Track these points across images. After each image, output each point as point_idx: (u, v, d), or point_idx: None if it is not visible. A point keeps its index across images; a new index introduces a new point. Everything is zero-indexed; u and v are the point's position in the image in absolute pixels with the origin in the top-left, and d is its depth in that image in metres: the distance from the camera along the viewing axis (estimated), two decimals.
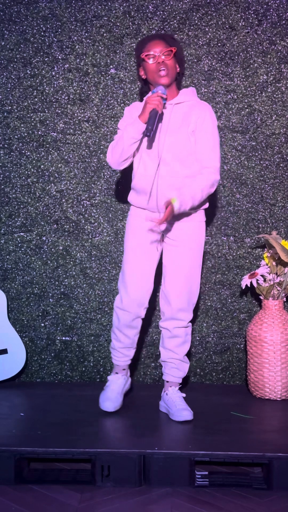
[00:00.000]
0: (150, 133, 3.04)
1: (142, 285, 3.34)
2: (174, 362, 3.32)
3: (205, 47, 3.76)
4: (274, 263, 3.55)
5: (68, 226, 3.86)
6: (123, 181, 3.81)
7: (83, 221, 3.84)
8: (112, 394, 3.32)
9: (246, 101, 3.78)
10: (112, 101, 3.75)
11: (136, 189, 3.32)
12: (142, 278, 3.34)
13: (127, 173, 3.55)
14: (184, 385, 3.61)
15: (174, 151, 3.18)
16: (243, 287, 3.66)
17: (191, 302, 3.31)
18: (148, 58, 3.13)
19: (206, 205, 3.30)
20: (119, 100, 3.75)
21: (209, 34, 3.76)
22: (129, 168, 3.38)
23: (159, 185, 3.20)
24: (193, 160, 3.22)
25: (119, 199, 3.86)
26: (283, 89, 3.76)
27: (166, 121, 3.14)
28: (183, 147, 3.18)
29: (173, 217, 3.18)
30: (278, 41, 3.74)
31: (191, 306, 3.32)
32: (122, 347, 3.41)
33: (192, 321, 3.77)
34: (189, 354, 3.73)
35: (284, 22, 3.76)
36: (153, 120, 3.03)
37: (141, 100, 3.52)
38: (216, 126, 3.24)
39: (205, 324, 3.86)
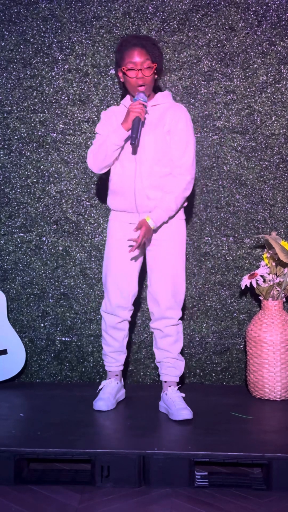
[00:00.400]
0: (135, 141, 3.08)
1: (125, 289, 3.36)
2: (170, 361, 3.32)
3: (204, 47, 3.76)
4: (273, 264, 3.55)
5: (68, 227, 3.85)
6: None
7: (83, 222, 3.84)
8: (104, 395, 3.36)
9: (245, 101, 3.78)
10: (112, 102, 3.75)
11: (115, 190, 3.33)
12: (124, 282, 3.35)
13: None
14: (184, 385, 3.61)
15: (151, 151, 3.20)
16: (243, 288, 3.66)
17: (179, 300, 3.31)
18: (128, 70, 3.16)
19: (185, 204, 3.32)
20: (118, 101, 3.71)
21: (209, 35, 3.75)
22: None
23: (137, 185, 3.21)
24: (170, 160, 3.25)
25: None
26: (283, 90, 3.76)
27: None
28: (160, 147, 3.20)
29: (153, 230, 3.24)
30: (277, 42, 3.74)
31: (179, 304, 3.32)
32: (112, 351, 3.42)
33: (191, 321, 3.89)
34: (189, 355, 3.85)
35: (283, 23, 3.76)
36: (137, 128, 3.07)
37: (120, 101, 3.52)
38: (190, 127, 3.27)
39: (204, 325, 3.85)
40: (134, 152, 3.21)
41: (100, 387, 3.41)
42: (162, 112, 3.23)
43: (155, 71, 3.20)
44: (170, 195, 3.20)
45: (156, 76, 3.24)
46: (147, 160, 3.20)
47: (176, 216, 3.29)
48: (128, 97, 3.27)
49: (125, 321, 3.38)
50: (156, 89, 3.42)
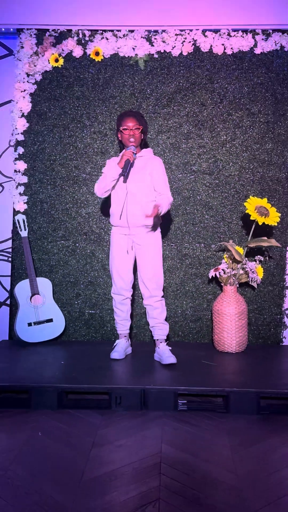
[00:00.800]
0: (125, 174, 3.24)
1: (123, 277, 3.48)
2: (159, 326, 3.48)
3: (184, 117, 3.92)
4: (230, 261, 3.74)
5: (93, 237, 4.00)
6: None
7: (103, 233, 4.00)
8: (118, 349, 3.52)
9: (211, 153, 3.94)
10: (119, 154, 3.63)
11: (112, 212, 3.43)
12: (123, 272, 3.47)
13: None
14: (170, 342, 3.74)
15: (137, 186, 3.34)
16: (210, 277, 3.83)
17: (160, 283, 3.46)
18: (124, 131, 3.34)
19: (160, 222, 3.46)
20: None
21: (187, 108, 3.93)
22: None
23: (128, 208, 3.35)
24: (149, 191, 3.36)
25: None
26: (237, 146, 3.92)
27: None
28: (143, 183, 3.36)
29: (136, 228, 3.35)
30: (233, 113, 3.92)
31: (160, 286, 3.47)
32: (121, 320, 3.57)
33: (176, 300, 3.93)
34: (174, 322, 3.95)
35: (237, 100, 3.92)
36: (127, 166, 3.26)
37: (120, 152, 3.62)
38: (164, 170, 3.44)
39: (184, 302, 4.00)
40: (125, 186, 3.32)
41: (114, 344, 3.59)
42: (145, 161, 3.40)
43: (141, 132, 3.37)
44: (166, 199, 3.32)
45: (142, 136, 3.38)
46: (133, 191, 3.33)
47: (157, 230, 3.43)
48: (125, 149, 3.40)
49: (127, 299, 3.52)
50: (144, 145, 3.54)
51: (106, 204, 3.91)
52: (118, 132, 3.38)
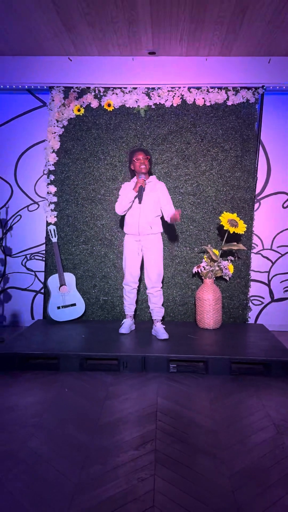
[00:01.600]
0: (140, 199, 3.26)
1: (132, 273, 3.43)
2: (157, 309, 3.45)
3: (174, 152, 3.90)
4: (209, 261, 3.72)
5: (106, 242, 3.96)
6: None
7: (113, 239, 3.97)
8: (125, 326, 3.49)
9: (195, 180, 3.92)
10: (127, 180, 3.81)
11: (128, 223, 3.36)
12: (133, 269, 3.43)
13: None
14: (164, 321, 3.77)
15: (147, 205, 3.31)
16: (194, 272, 3.83)
17: (160, 278, 3.43)
18: (137, 161, 3.30)
19: (161, 229, 3.40)
20: (129, 179, 3.72)
21: (177, 146, 3.90)
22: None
23: (140, 221, 3.31)
24: (156, 209, 3.33)
25: None
26: (214, 174, 3.90)
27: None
28: (152, 202, 3.31)
29: (145, 236, 3.29)
30: (211, 149, 3.90)
31: (160, 279, 3.42)
32: (128, 304, 3.53)
33: (168, 289, 3.79)
34: (167, 306, 3.88)
35: (214, 140, 3.89)
36: (141, 192, 3.26)
37: (130, 179, 3.57)
38: (167, 191, 3.39)
39: (174, 291, 3.96)
40: (139, 206, 3.32)
41: (122, 322, 3.56)
42: (153, 185, 3.37)
43: (149, 162, 3.34)
44: (169, 206, 3.31)
45: (148, 166, 3.35)
46: (145, 209, 3.31)
47: (158, 234, 3.37)
48: (134, 178, 3.40)
49: (134, 289, 3.49)
50: (150, 174, 3.51)
51: (116, 218, 3.91)
52: (131, 163, 3.32)
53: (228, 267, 3.74)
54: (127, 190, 3.30)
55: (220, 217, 3.67)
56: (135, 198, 3.24)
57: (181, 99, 3.91)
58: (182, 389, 2.64)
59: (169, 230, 3.96)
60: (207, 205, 3.94)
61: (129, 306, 3.54)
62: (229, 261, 3.82)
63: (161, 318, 3.50)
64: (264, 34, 3.43)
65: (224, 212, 3.78)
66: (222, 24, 3.28)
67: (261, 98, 3.87)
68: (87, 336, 3.41)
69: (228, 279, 3.88)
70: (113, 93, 3.90)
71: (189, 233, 3.96)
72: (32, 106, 4.06)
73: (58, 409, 2.35)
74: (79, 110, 3.93)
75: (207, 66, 3.84)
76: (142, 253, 3.41)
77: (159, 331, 3.38)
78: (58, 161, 3.98)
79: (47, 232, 4.00)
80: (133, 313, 3.61)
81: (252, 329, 3.72)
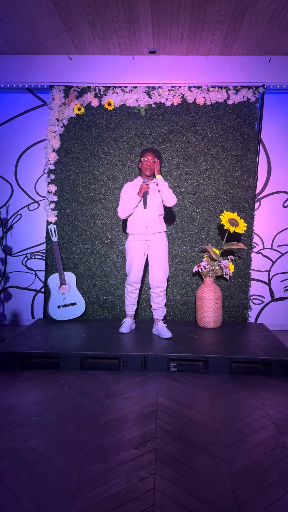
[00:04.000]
0: (145, 204, 3.24)
1: (136, 273, 3.42)
2: (159, 309, 3.47)
3: (175, 151, 3.91)
4: (209, 260, 3.74)
5: (106, 241, 3.97)
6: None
7: (114, 239, 3.97)
8: (125, 325, 3.48)
9: (195, 179, 3.92)
10: (127, 179, 3.88)
11: (134, 224, 3.34)
12: (137, 270, 3.41)
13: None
14: (166, 320, 3.83)
15: (153, 205, 3.31)
16: (194, 272, 3.84)
17: (166, 278, 3.42)
18: (144, 161, 3.28)
19: (165, 228, 3.40)
20: (131, 178, 3.86)
21: (177, 145, 3.90)
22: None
23: (148, 220, 3.31)
24: (160, 208, 3.33)
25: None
26: (214, 173, 3.90)
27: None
28: (156, 202, 3.31)
29: (152, 234, 3.27)
30: (211, 149, 3.90)
31: (166, 278, 3.42)
32: (129, 303, 3.52)
33: (168, 289, 3.79)
34: (168, 306, 3.93)
35: (214, 139, 3.88)
36: (145, 196, 3.26)
37: (133, 178, 3.61)
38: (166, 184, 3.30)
39: (175, 290, 3.97)
40: (145, 207, 3.29)
41: (122, 321, 3.58)
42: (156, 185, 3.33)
43: (156, 164, 3.28)
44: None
45: (155, 168, 3.27)
46: (151, 208, 3.31)
47: (162, 233, 3.36)
48: (139, 177, 3.38)
49: (137, 289, 3.49)
50: (160, 173, 3.59)
51: (116, 217, 3.91)
52: (140, 162, 3.29)
53: (229, 266, 3.74)
54: (130, 192, 3.27)
55: (220, 216, 3.67)
56: (139, 202, 3.23)
57: (181, 98, 3.90)
58: (182, 388, 2.63)
59: (169, 229, 3.95)
60: (207, 204, 3.94)
61: (130, 306, 3.54)
62: (230, 260, 3.83)
63: (163, 318, 3.51)
64: (264, 33, 3.44)
65: (224, 211, 3.79)
66: (222, 23, 3.28)
67: (261, 97, 3.87)
68: (88, 335, 3.40)
69: (228, 278, 3.88)
70: (114, 92, 3.89)
71: (190, 232, 3.95)
72: (32, 105, 4.06)
73: (58, 408, 2.35)
74: (79, 109, 3.93)
75: (207, 65, 3.85)
76: (148, 253, 3.39)
77: (162, 330, 3.37)
78: (58, 160, 3.96)
79: (47, 231, 3.99)
80: (134, 312, 3.60)
81: (252, 328, 3.71)
